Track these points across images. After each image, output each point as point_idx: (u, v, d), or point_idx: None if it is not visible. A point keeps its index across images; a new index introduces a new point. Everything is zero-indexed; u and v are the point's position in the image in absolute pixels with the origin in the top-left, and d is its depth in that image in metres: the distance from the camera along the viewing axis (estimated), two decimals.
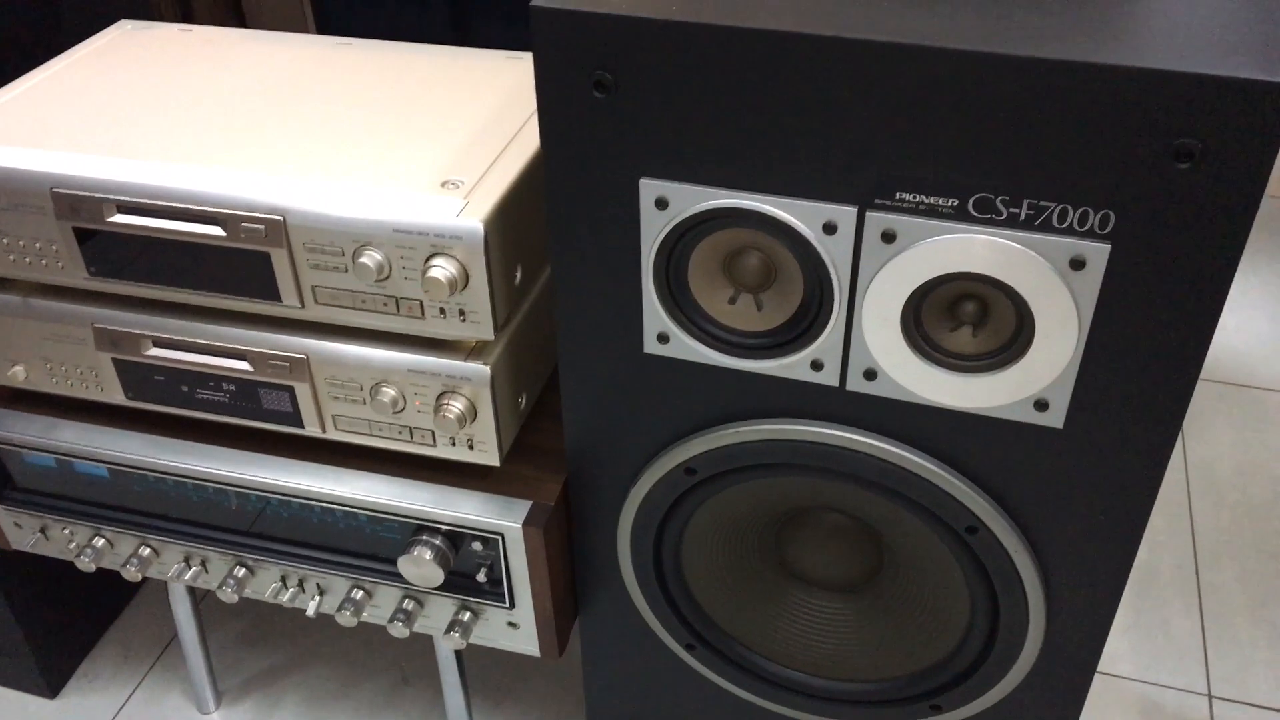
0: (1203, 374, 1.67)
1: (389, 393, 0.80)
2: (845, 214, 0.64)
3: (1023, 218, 0.61)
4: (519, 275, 0.79)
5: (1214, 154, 0.56)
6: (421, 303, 0.75)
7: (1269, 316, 1.80)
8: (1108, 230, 0.60)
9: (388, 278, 0.75)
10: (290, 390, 0.83)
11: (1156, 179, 0.57)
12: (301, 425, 0.85)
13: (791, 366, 0.71)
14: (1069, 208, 0.60)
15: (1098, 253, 0.60)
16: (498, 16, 1.18)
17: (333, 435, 0.85)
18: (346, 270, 0.75)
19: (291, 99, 0.86)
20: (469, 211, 0.73)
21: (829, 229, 0.65)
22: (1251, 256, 1.96)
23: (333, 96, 0.86)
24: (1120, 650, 1.26)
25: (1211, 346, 1.73)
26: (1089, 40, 0.57)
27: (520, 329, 0.82)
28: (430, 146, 0.80)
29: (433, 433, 0.82)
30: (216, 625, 1.29)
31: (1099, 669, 1.22)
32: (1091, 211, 0.60)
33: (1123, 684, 1.22)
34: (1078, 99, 0.56)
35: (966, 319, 0.67)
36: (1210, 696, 1.20)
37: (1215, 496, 1.46)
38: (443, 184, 0.75)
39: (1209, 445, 1.54)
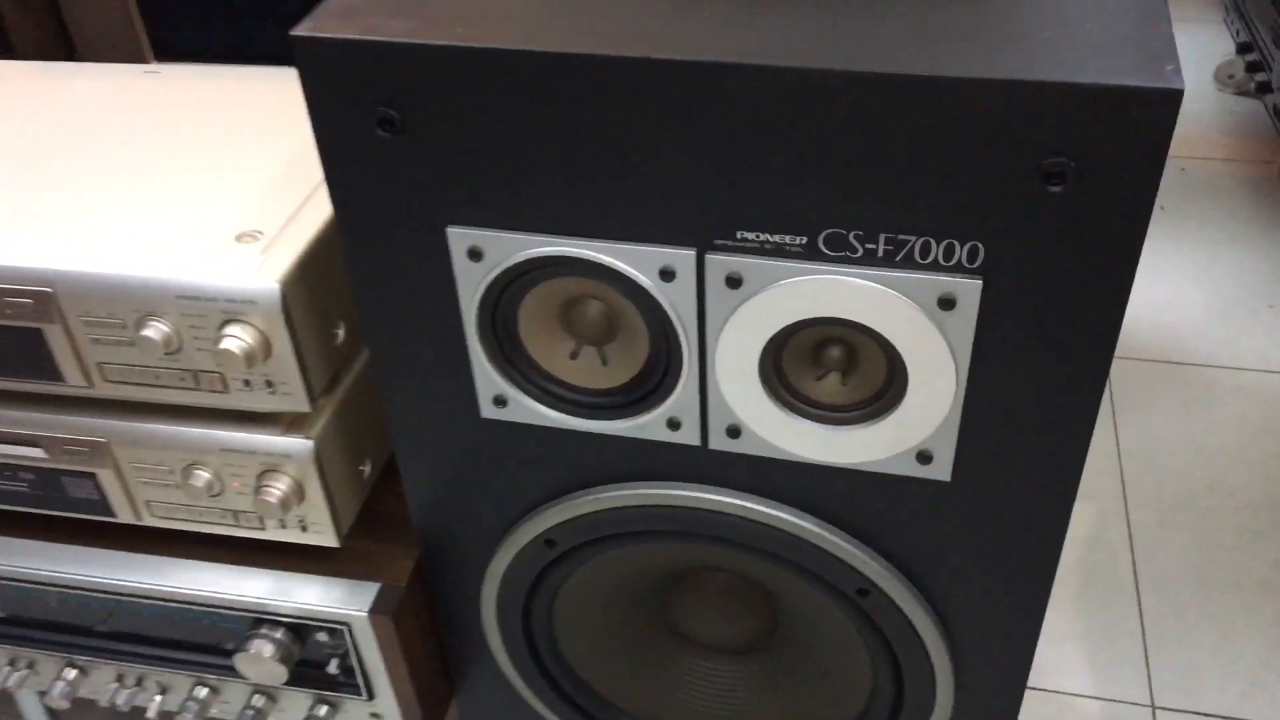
0: (1134, 353, 1.61)
1: (203, 475, 0.70)
2: (683, 258, 0.55)
3: (881, 254, 0.52)
4: (341, 333, 0.69)
5: (1090, 174, 0.47)
6: (223, 376, 0.66)
7: (1199, 287, 1.74)
8: (978, 264, 0.52)
9: (179, 350, 0.65)
10: (93, 477, 0.73)
11: (1026, 204, 0.49)
12: (112, 514, 0.75)
13: (646, 426, 0.62)
14: (932, 241, 0.51)
15: (969, 289, 0.52)
16: None
17: (149, 522, 0.75)
18: (132, 343, 0.65)
19: (68, 142, 0.76)
20: (266, 270, 0.63)
21: (666, 275, 0.56)
22: (1180, 223, 1.90)
23: (120, 137, 0.76)
24: (1053, 661, 1.19)
25: (1142, 323, 1.67)
26: (936, 49, 0.48)
27: (354, 389, 0.72)
28: (228, 191, 0.69)
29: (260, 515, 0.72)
30: None
31: (1030, 684, 1.15)
32: (958, 244, 0.51)
33: (1058, 699, 1.15)
34: (929, 118, 0.48)
35: (832, 365, 0.58)
36: (1154, 707, 1.14)
37: (1151, 484, 1.40)
38: (238, 237, 0.66)
39: (1142, 430, 1.48)
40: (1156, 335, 1.64)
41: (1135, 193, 0.48)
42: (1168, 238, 1.84)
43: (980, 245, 0.51)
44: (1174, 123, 0.45)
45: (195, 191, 0.70)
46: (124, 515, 0.75)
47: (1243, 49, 2.03)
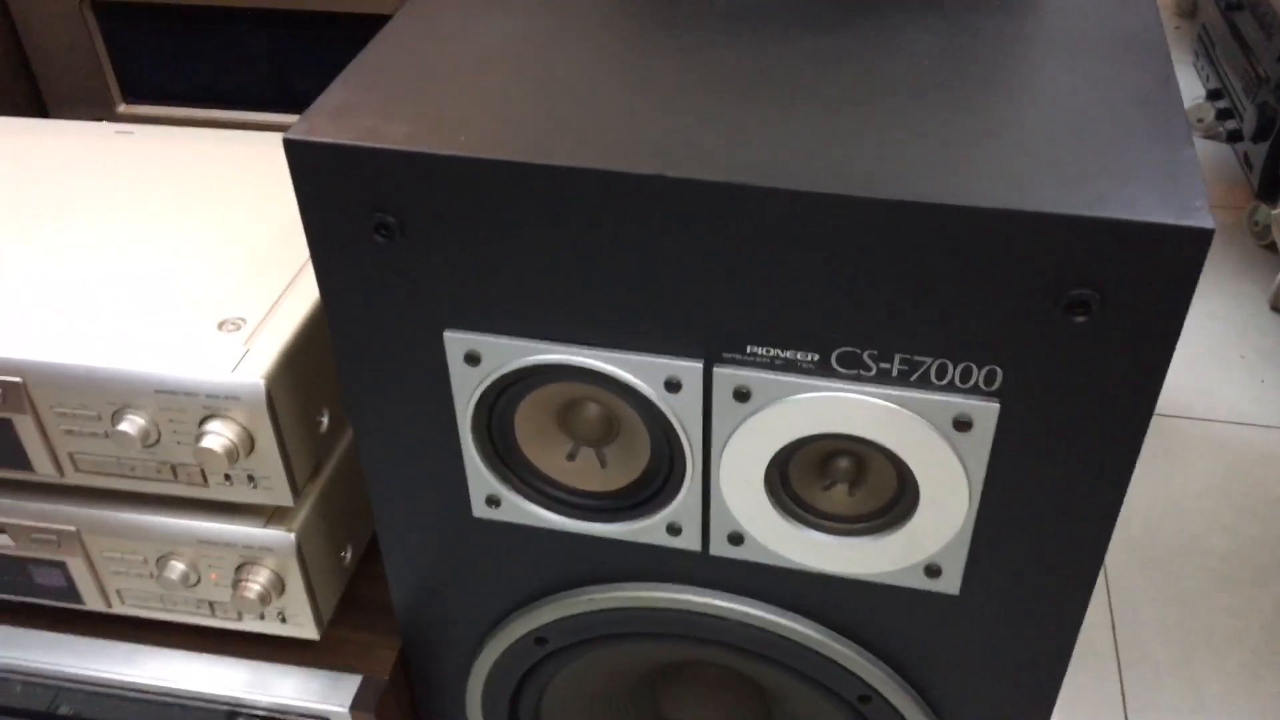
0: None
1: (178, 566, 0.67)
2: (689, 370, 0.53)
3: (895, 374, 0.51)
4: (325, 421, 0.66)
5: (1114, 305, 0.46)
6: (202, 469, 0.63)
7: None
8: (995, 387, 0.50)
9: (156, 443, 0.62)
10: (61, 565, 0.69)
11: (1048, 332, 0.48)
12: (80, 601, 0.72)
13: (645, 531, 0.60)
14: (949, 363, 0.50)
15: (985, 412, 0.51)
16: (325, 74, 1.05)
17: (120, 610, 0.72)
18: (107, 435, 0.62)
19: (36, 216, 0.73)
20: (250, 362, 0.60)
21: (672, 386, 0.54)
22: None
23: (93, 209, 0.73)
24: None
25: None
26: (954, 169, 0.47)
27: (338, 474, 0.70)
28: (208, 271, 0.67)
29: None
30: None
31: None
32: (975, 367, 0.50)
33: None
34: (948, 244, 0.46)
35: (840, 477, 0.56)
36: None
37: (1127, 540, 1.40)
38: (220, 324, 0.63)
39: None
40: None
41: (1160, 324, 0.47)
42: None
43: (998, 369, 0.50)
44: (1203, 260, 0.44)
45: (174, 272, 0.67)
46: (93, 603, 0.72)
47: (1213, 95, 2.05)
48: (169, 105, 1.12)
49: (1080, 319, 0.47)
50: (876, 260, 0.48)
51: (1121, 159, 0.47)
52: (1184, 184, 0.45)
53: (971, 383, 0.50)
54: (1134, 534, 1.40)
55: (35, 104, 1.15)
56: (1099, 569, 0.55)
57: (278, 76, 1.08)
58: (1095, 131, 0.49)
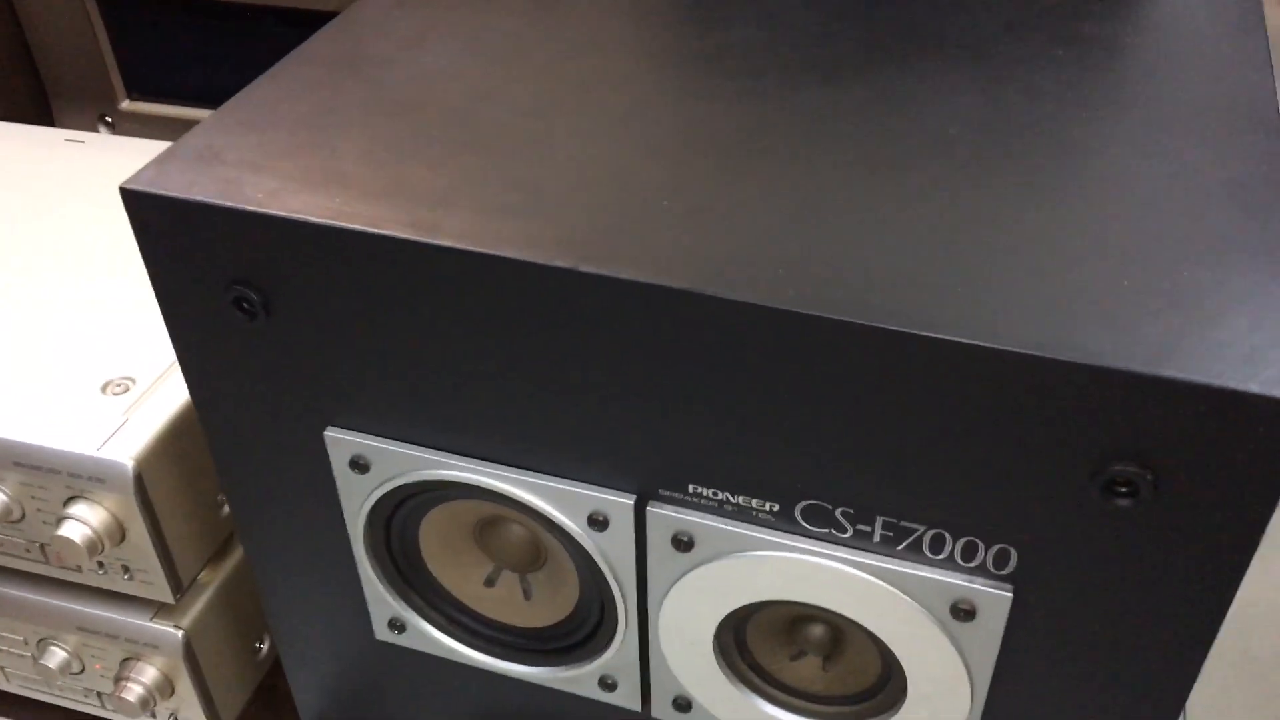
0: None
1: (58, 653, 0.58)
2: (618, 505, 0.42)
3: (877, 539, 0.39)
4: (226, 504, 0.57)
5: (1174, 491, 0.33)
6: None
7: None
8: (1008, 570, 0.38)
9: (21, 519, 0.53)
10: None
11: (1079, 514, 0.35)
12: None
13: (575, 681, 0.49)
14: (946, 535, 0.38)
15: (994, 601, 0.38)
16: None
17: (5, 688, 0.63)
18: None
19: None
20: (123, 436, 0.51)
21: (596, 523, 0.42)
22: None
23: None
24: None
25: None
26: (969, 293, 0.34)
27: (247, 561, 0.60)
28: (107, 319, 0.57)
29: None
30: None
31: None
32: (981, 544, 0.37)
33: None
34: (950, 389, 0.34)
35: (811, 648, 0.45)
36: None
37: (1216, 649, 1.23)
38: (105, 385, 0.54)
39: None
40: None
41: (1238, 518, 0.34)
42: None
43: (1012, 550, 0.37)
44: None
45: (68, 316, 0.58)
46: None
47: None
48: (173, 102, 1.04)
49: (1124, 502, 0.34)
50: (857, 399, 0.36)
51: (1200, 291, 0.34)
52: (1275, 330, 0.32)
53: (976, 561, 0.38)
54: (1220, 643, 1.24)
55: (38, 99, 1.09)
56: None
57: None
58: (1169, 247, 0.36)
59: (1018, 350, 0.32)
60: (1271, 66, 0.45)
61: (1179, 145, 0.41)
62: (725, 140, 0.42)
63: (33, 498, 0.52)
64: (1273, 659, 1.14)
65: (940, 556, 0.38)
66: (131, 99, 1.05)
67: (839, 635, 0.44)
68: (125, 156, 0.71)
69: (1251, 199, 0.38)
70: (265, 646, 0.63)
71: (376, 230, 0.38)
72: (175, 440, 0.52)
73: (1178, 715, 0.39)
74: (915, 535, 0.38)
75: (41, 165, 0.70)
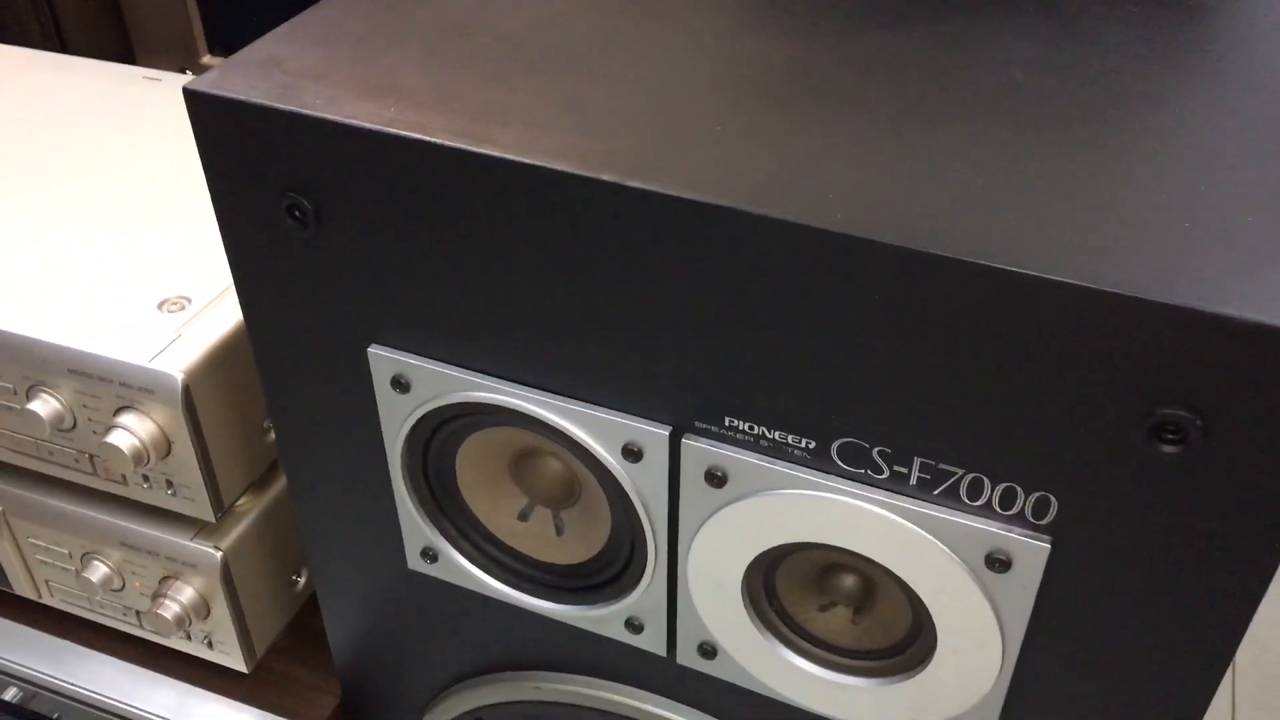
0: None
1: (101, 568, 0.60)
2: (653, 437, 0.41)
3: (914, 481, 0.38)
4: (270, 431, 0.57)
5: (1225, 438, 0.32)
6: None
7: None
8: (1047, 520, 0.37)
9: (73, 428, 0.54)
10: None
11: (1124, 462, 0.34)
12: (8, 585, 0.65)
13: (601, 621, 0.49)
14: (985, 480, 0.37)
15: (1031, 551, 0.37)
16: None
17: (49, 602, 0.65)
18: (20, 411, 0.55)
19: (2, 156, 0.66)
20: (174, 351, 0.52)
21: (631, 454, 0.42)
22: None
23: (68, 157, 0.65)
24: None
25: None
26: (1019, 224, 0.33)
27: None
28: (170, 241, 0.58)
29: None
30: None
31: None
32: (1020, 491, 0.36)
33: None
34: (995, 324, 0.33)
35: (841, 598, 0.44)
36: None
37: (1258, 656, 1.19)
38: (161, 304, 0.55)
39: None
40: None
41: None
42: None
43: (1052, 498, 0.36)
44: None
45: (132, 237, 0.59)
46: (21, 589, 0.65)
47: None
48: None
49: (1171, 449, 0.33)
50: (900, 331, 0.35)
51: (1261, 236, 0.33)
52: None
53: (1015, 509, 0.37)
54: (1269, 652, 1.20)
55: (125, 51, 1.11)
56: None
57: None
58: (1230, 195, 0.35)
59: (1068, 280, 0.31)
60: None
61: (1246, 102, 0.39)
62: (783, 76, 0.41)
63: (85, 406, 0.53)
64: None
65: (977, 503, 0.37)
66: (213, 54, 1.08)
67: (870, 587, 0.43)
68: None
69: None
70: (302, 580, 0.64)
71: (428, 138, 0.38)
72: (225, 360, 0.53)
73: (1222, 676, 0.37)
74: (953, 479, 0.37)
75: (119, 99, 0.72)
